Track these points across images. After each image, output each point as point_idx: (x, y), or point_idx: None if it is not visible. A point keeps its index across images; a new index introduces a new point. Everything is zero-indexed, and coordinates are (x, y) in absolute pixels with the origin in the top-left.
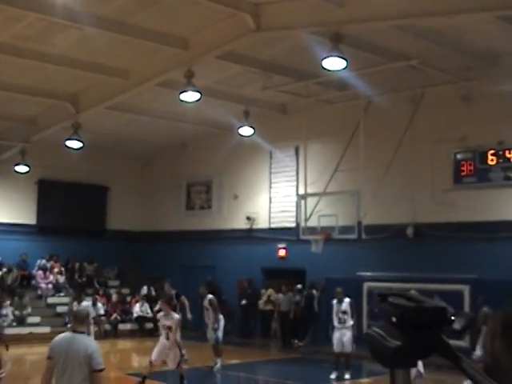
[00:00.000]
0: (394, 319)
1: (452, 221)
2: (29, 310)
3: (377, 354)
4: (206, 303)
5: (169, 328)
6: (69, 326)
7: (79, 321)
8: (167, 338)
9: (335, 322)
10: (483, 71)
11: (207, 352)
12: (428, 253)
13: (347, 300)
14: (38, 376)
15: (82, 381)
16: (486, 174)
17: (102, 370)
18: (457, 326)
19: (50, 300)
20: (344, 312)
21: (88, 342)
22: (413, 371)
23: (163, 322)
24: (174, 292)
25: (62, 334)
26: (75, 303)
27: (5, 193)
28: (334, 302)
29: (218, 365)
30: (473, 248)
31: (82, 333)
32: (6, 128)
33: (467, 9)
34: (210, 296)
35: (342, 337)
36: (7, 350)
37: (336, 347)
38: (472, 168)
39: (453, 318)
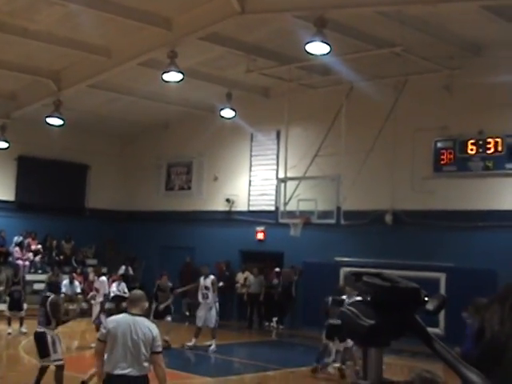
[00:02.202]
0: (368, 298)
1: (431, 209)
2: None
3: (351, 332)
4: (207, 283)
5: None
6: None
7: (133, 303)
8: None
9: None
10: (466, 61)
11: (184, 332)
12: (406, 240)
13: (212, 277)
14: (15, 351)
15: (144, 361)
16: (465, 163)
17: (161, 352)
18: (430, 306)
19: (27, 277)
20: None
21: (150, 324)
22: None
23: None
24: (170, 285)
25: (119, 316)
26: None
27: None
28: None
29: (213, 346)
30: (450, 236)
31: (139, 315)
32: None
33: None
34: (213, 276)
35: None
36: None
37: None
38: (452, 157)
39: (426, 298)
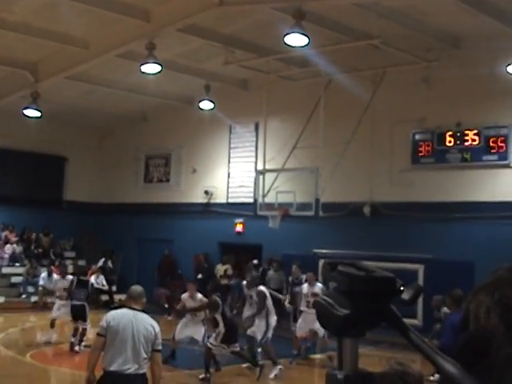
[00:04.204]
0: (342, 288)
1: (409, 201)
2: None
3: (325, 322)
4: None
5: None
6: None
7: (134, 298)
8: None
9: (303, 307)
10: (444, 53)
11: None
12: (384, 232)
13: (319, 285)
14: None
15: (144, 359)
16: (443, 155)
17: (160, 351)
18: (405, 296)
19: (5, 270)
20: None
21: (152, 321)
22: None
23: (188, 304)
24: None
25: (119, 311)
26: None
27: None
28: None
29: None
30: (428, 228)
31: (140, 311)
32: None
33: None
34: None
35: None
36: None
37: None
38: (430, 149)
39: (402, 288)
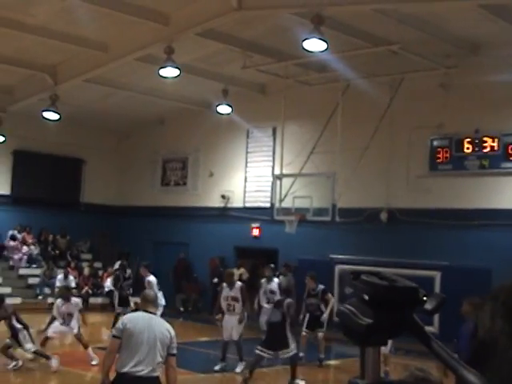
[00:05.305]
0: (366, 297)
1: (426, 207)
2: None
3: (348, 331)
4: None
5: (234, 299)
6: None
7: (149, 302)
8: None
9: (263, 303)
10: (463, 60)
11: (178, 328)
12: (401, 238)
13: (276, 280)
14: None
15: (159, 362)
16: (461, 162)
17: (175, 355)
18: (428, 306)
19: (22, 271)
20: (272, 292)
21: (167, 325)
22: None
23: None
24: (321, 288)
25: (135, 314)
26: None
27: None
28: (263, 281)
29: None
30: (445, 235)
31: (155, 314)
32: None
33: None
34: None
35: None
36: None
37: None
38: (448, 155)
39: (425, 298)
